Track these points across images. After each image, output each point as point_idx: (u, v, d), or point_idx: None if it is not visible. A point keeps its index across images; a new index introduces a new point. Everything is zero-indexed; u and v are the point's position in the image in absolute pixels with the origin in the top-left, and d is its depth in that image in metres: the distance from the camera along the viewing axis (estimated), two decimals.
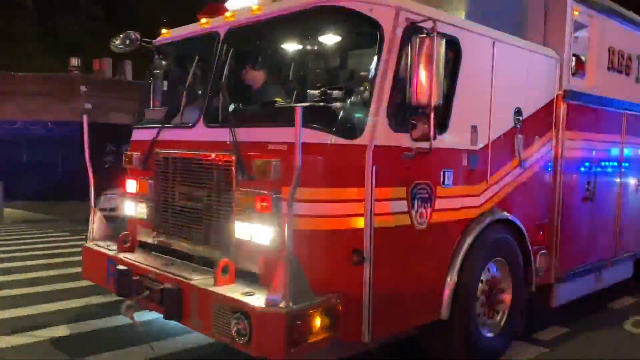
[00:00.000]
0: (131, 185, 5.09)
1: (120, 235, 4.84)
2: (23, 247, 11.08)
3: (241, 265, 4.00)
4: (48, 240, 12.00)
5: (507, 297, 5.10)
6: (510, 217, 4.98)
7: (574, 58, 5.81)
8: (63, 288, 7.25)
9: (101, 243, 5.09)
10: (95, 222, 5.25)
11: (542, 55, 5.40)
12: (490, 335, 4.89)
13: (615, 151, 6.68)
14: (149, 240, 4.92)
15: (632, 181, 7.09)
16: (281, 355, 3.28)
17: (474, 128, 4.60)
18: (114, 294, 4.61)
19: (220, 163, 4.14)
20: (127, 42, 5.14)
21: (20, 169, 20.49)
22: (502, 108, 4.88)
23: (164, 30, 5.26)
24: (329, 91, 4.01)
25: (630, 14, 6.77)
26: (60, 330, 5.58)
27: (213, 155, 4.19)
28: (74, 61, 24.15)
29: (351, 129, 3.75)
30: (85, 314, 6.12)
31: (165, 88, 5.26)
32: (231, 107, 4.31)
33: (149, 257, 4.61)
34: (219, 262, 3.81)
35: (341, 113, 3.81)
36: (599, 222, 6.46)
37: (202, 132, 4.39)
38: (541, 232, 5.54)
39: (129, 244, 4.82)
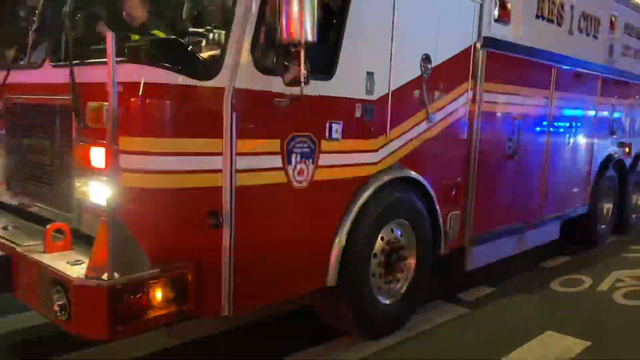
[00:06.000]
0: None
1: None
2: None
3: (85, 230, 3.44)
4: None
5: (412, 261, 4.71)
6: (413, 175, 4.54)
7: (497, 2, 5.30)
8: None
9: None
10: None
11: None
12: (387, 302, 4.50)
13: (542, 107, 6.28)
14: (5, 200, 4.29)
15: (561, 140, 6.76)
16: (104, 334, 2.80)
17: (369, 75, 4.06)
18: None
19: (59, 108, 3.52)
20: None
21: None
22: (406, 54, 4.35)
23: None
24: (183, 25, 3.40)
25: None
26: None
27: (52, 100, 3.56)
28: None
29: (205, 68, 3.17)
30: None
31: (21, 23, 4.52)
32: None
33: None
34: (49, 225, 3.25)
35: (193, 48, 3.22)
36: (522, 182, 6.12)
37: (48, 73, 3.74)
38: (454, 192, 5.13)
39: None
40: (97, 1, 3.92)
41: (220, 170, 3.20)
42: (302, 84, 3.22)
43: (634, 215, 9.08)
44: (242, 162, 3.28)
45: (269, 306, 4.00)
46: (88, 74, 3.33)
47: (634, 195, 9.08)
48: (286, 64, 3.30)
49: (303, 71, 3.19)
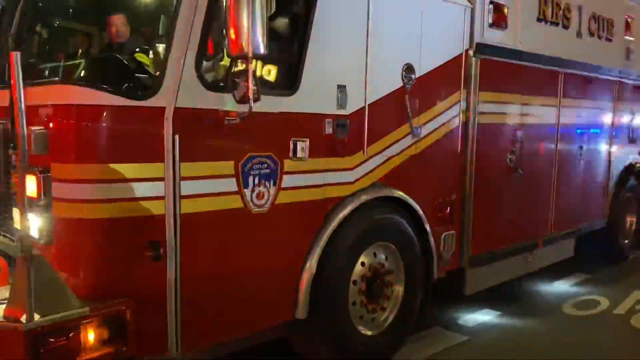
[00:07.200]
0: None
1: None
2: None
3: None
4: None
5: (399, 287, 4.34)
6: (397, 194, 4.19)
7: (491, 6, 4.92)
8: None
9: None
10: None
11: (443, 1, 4.51)
12: (370, 333, 4.14)
13: (549, 115, 5.85)
14: None
15: (572, 150, 6.29)
16: None
17: (341, 88, 3.75)
18: None
19: (1, 133, 3.33)
20: None
21: None
22: (384, 64, 4.02)
23: None
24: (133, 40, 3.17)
25: None
26: None
27: None
28: None
29: (142, 87, 2.93)
30: None
31: None
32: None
33: None
34: None
35: (133, 65, 2.98)
36: (528, 197, 5.67)
37: None
38: (448, 211, 4.75)
39: None
40: (46, 21, 3.73)
41: (162, 197, 2.94)
42: (251, 101, 2.94)
43: None
44: (187, 188, 3.02)
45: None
46: (30, 96, 3.12)
47: None
48: (236, 79, 3.03)
49: (252, 87, 2.91)
